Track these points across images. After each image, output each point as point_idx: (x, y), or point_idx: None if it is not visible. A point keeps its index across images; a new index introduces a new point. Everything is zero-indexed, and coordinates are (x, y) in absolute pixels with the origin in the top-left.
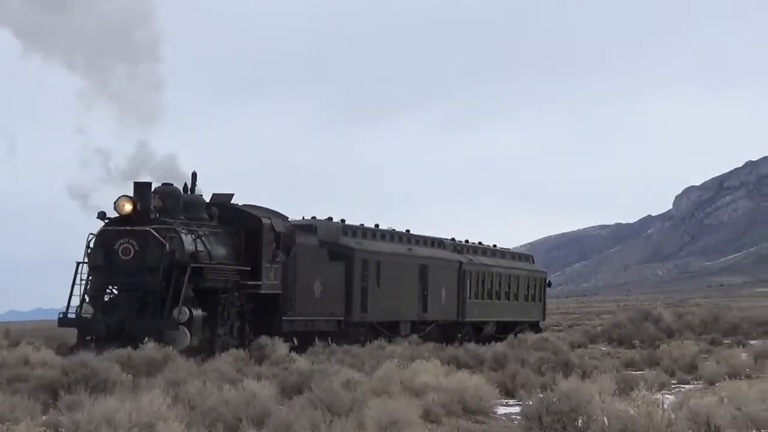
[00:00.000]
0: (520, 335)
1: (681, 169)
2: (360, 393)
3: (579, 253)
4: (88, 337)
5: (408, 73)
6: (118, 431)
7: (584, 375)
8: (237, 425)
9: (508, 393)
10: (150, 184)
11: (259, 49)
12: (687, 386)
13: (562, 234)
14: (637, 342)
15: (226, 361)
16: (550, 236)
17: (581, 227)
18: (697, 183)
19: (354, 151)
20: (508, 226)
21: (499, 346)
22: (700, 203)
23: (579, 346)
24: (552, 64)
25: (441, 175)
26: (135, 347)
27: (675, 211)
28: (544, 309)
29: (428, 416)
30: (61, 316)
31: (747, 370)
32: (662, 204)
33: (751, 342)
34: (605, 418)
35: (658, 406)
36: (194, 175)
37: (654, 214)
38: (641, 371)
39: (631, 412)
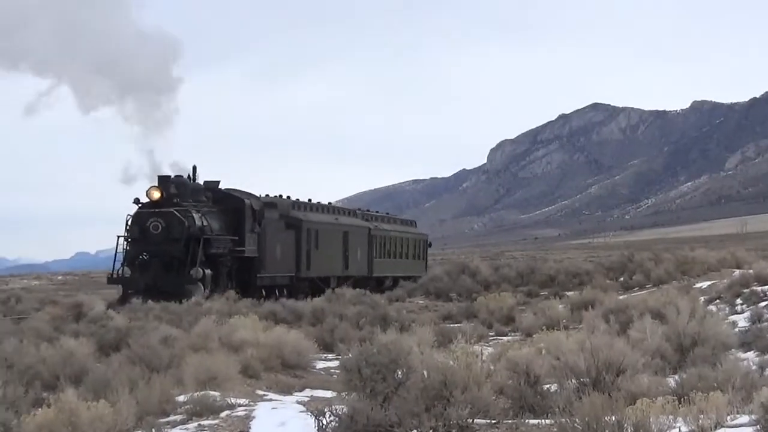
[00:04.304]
0: (337, 290)
1: (495, 123)
2: (178, 349)
3: (394, 208)
4: (130, 291)
5: (212, 26)
6: None
7: (402, 329)
8: (55, 383)
9: (327, 347)
10: (170, 176)
11: None
12: (505, 338)
13: (376, 189)
14: (454, 295)
15: (42, 319)
16: (365, 191)
17: (395, 182)
18: (511, 136)
19: None
20: (322, 182)
21: (317, 301)
22: (514, 157)
23: (397, 300)
24: (362, 14)
25: (249, 128)
26: (167, 298)
27: (489, 165)
28: (426, 265)
29: (247, 371)
30: (108, 276)
31: (564, 321)
32: (477, 158)
33: (567, 293)
34: (425, 370)
35: (477, 357)
36: (194, 168)
37: (468, 167)
38: (459, 324)
39: (451, 363)
